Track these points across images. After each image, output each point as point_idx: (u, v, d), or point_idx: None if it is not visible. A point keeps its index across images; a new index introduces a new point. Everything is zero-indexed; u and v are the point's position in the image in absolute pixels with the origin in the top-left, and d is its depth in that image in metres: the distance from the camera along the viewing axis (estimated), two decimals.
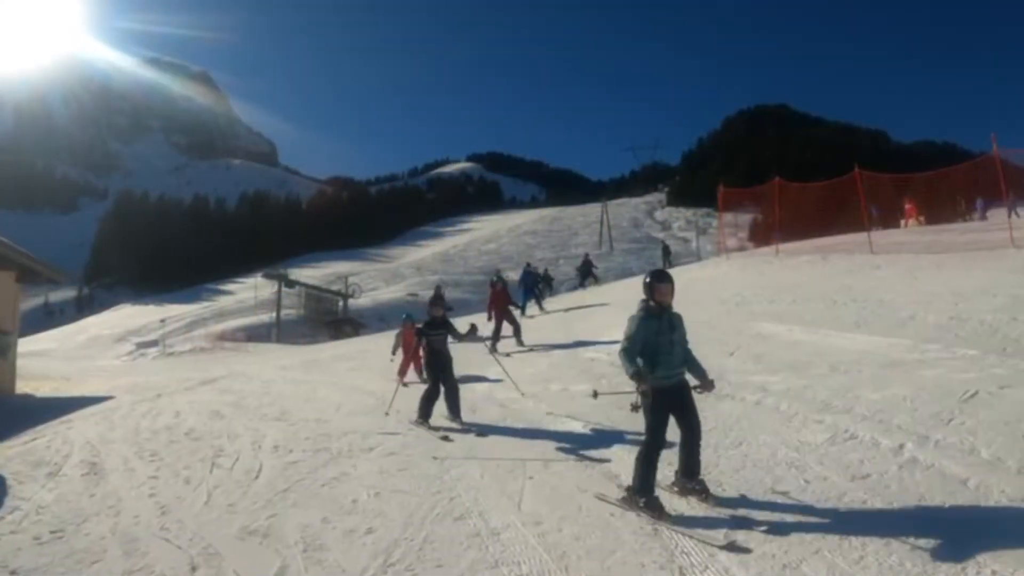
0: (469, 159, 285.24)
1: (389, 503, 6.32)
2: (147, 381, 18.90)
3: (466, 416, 9.50)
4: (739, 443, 6.75)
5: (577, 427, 8.26)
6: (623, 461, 6.62)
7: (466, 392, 10.81)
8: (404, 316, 14.78)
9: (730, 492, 5.66)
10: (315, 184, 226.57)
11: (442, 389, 9.61)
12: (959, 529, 4.53)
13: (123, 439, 10.41)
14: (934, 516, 4.79)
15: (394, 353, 13.97)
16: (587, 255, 35.92)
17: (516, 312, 17.29)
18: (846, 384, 7.96)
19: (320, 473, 7.52)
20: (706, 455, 5.92)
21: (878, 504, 5.05)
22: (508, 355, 14.52)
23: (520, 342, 16.04)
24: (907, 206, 27.75)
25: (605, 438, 7.76)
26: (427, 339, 9.74)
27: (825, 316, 12.15)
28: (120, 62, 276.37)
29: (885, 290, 13.29)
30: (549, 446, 7.66)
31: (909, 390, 7.34)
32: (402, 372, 12.85)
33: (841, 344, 10.17)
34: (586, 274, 31.29)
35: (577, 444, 7.69)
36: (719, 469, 6.17)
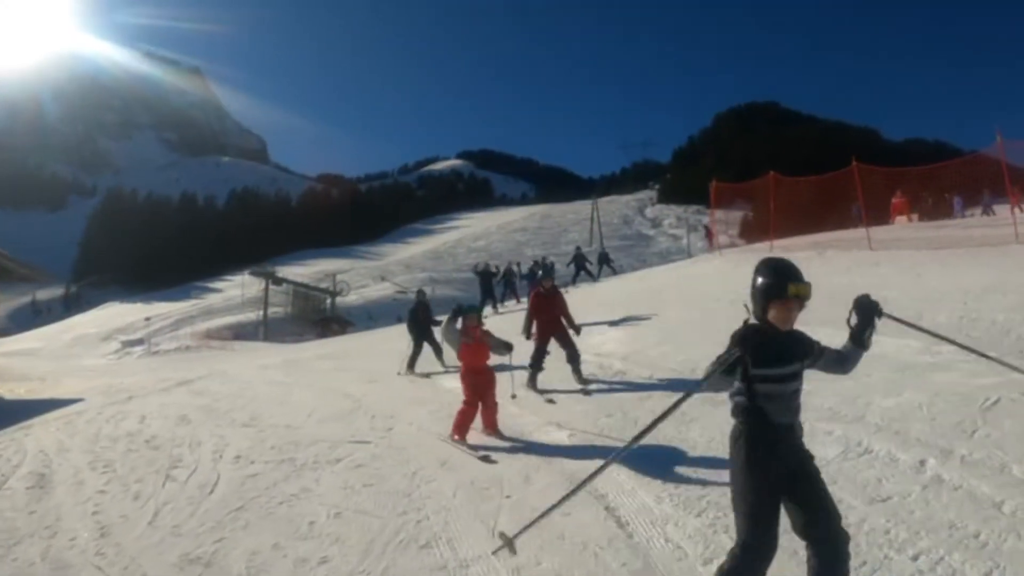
0: (459, 156, 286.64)
1: (349, 526, 5.68)
2: (123, 382, 18.19)
3: (441, 425, 8.85)
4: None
5: (562, 437, 7.59)
6: (611, 478, 5.98)
7: (443, 395, 10.23)
8: (467, 308, 8.84)
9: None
10: (305, 181, 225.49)
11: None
12: (999, 563, 3.95)
13: (80, 447, 9.83)
14: (969, 547, 4.16)
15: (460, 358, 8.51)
16: (579, 248, 34.60)
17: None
18: (854, 389, 7.31)
19: (279, 488, 6.89)
20: (704, 474, 5.30)
21: (903, 533, 4.39)
22: (552, 399, 9.66)
23: (580, 378, 10.24)
24: (895, 200, 27.27)
25: (592, 451, 7.05)
26: (756, 396, 3.43)
27: (826, 315, 11.45)
28: (112, 58, 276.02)
29: (887, 287, 12.71)
30: (531, 459, 6.96)
31: (924, 396, 6.73)
32: (463, 424, 7.98)
33: None
34: (580, 268, 29.86)
35: (562, 457, 6.99)
36: (720, 490, 5.46)
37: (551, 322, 10.54)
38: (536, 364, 10.32)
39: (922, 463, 5.31)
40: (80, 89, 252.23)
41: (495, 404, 8.16)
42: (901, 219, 26.95)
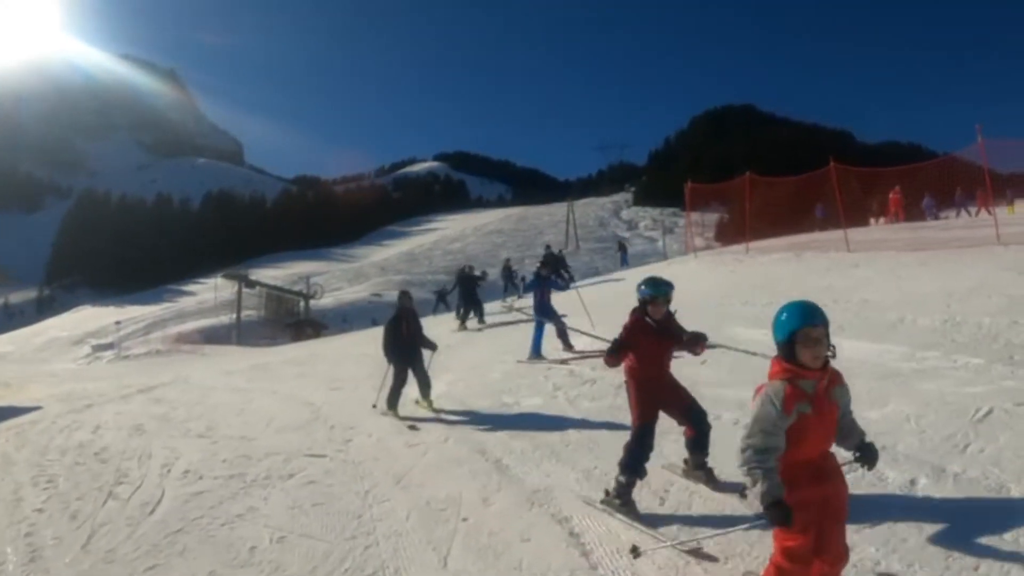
0: (436, 158, 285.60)
1: (292, 552, 5.23)
2: (85, 389, 17.71)
3: (402, 438, 8.40)
4: (717, 476, 5.60)
5: (527, 447, 7.14)
6: (574, 500, 5.53)
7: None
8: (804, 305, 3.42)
9: (708, 544, 4.48)
10: (281, 183, 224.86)
11: None
12: None
13: (27, 460, 9.46)
14: None
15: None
16: (548, 247, 32.06)
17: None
18: None
19: (225, 508, 6.44)
20: (678, 493, 4.85)
21: (896, 564, 3.97)
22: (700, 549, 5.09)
23: (711, 476, 5.63)
24: (892, 196, 27.10)
25: (556, 468, 6.54)
26: None
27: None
28: (88, 60, 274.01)
29: (868, 290, 12.48)
30: (492, 477, 6.44)
31: (911, 407, 6.32)
32: None
33: None
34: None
35: (525, 475, 6.43)
36: (691, 512, 5.03)
37: (660, 378, 5.56)
38: (635, 466, 5.25)
39: (912, 482, 4.88)
40: (56, 90, 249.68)
41: (845, 550, 3.54)
42: (877, 221, 26.91)
